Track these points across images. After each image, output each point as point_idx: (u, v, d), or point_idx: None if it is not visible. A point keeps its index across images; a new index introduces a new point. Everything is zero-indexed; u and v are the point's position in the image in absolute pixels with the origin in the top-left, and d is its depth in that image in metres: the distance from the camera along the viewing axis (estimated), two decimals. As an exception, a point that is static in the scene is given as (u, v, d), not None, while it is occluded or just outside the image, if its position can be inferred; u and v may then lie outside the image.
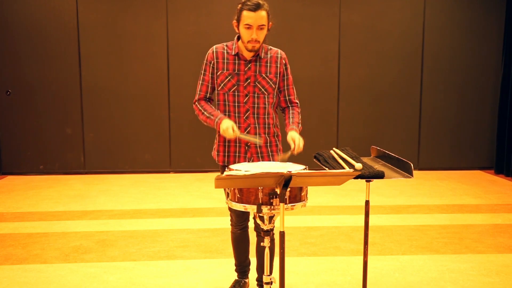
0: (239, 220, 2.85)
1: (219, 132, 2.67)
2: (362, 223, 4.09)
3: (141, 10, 6.39)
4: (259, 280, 2.96)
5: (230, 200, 2.22)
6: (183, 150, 6.67)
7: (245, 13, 2.51)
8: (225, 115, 2.69)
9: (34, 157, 6.53)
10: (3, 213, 4.76)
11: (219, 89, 2.69)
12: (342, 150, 2.65)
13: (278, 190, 1.98)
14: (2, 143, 6.49)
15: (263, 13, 2.51)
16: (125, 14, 6.39)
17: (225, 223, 4.36)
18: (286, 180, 1.94)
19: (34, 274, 3.28)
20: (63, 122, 6.50)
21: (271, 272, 2.81)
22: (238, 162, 2.73)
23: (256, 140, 2.66)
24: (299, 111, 2.78)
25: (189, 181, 6.16)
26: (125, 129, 6.57)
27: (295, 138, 2.52)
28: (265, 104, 2.69)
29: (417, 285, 3.14)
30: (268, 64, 2.67)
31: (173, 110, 6.58)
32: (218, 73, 2.67)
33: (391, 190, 5.69)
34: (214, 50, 2.69)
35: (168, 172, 6.70)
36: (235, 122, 2.66)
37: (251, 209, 2.14)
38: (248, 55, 2.64)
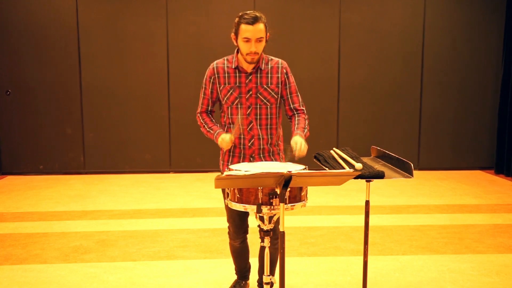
0: (238, 231, 2.80)
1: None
2: (362, 223, 4.09)
3: (141, 10, 6.39)
4: (260, 282, 2.95)
5: (230, 200, 2.22)
6: (183, 150, 6.67)
7: (243, 26, 2.51)
8: (230, 127, 2.71)
9: (34, 157, 6.53)
10: (3, 213, 4.75)
11: (223, 102, 2.70)
12: (342, 150, 2.64)
13: (278, 190, 1.97)
14: (2, 143, 6.49)
15: (260, 26, 2.51)
16: (125, 14, 6.39)
17: (225, 223, 4.35)
18: (286, 180, 1.94)
19: (34, 274, 3.28)
20: (63, 122, 6.50)
21: (271, 273, 2.81)
22: None
23: (239, 123, 2.64)
24: (306, 117, 2.74)
25: (189, 181, 6.16)
26: (125, 129, 6.57)
27: (297, 142, 2.49)
28: (267, 115, 2.68)
29: (417, 285, 3.13)
30: (269, 75, 2.67)
31: (173, 110, 6.58)
32: (221, 88, 2.68)
33: (391, 190, 5.68)
34: (215, 65, 2.69)
35: (168, 172, 6.70)
36: (240, 134, 2.68)
37: (251, 209, 2.14)
38: (248, 67, 2.64)
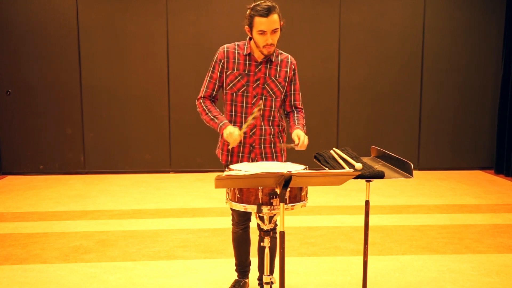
0: (241, 219, 2.84)
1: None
2: (362, 223, 4.09)
3: (141, 10, 6.39)
4: (260, 280, 2.96)
5: (230, 200, 2.22)
6: (183, 150, 6.67)
7: (257, 19, 2.47)
8: (231, 114, 2.69)
9: (34, 157, 6.53)
10: (3, 213, 4.76)
11: (227, 88, 2.67)
12: (342, 150, 2.65)
13: (278, 190, 1.98)
14: (2, 143, 6.49)
15: (275, 17, 2.48)
16: (125, 14, 6.39)
17: (225, 223, 4.36)
18: (286, 180, 1.94)
19: (34, 274, 3.28)
20: (63, 122, 6.50)
21: (272, 272, 2.81)
22: (241, 162, 2.72)
23: (255, 114, 2.58)
24: (304, 116, 2.78)
25: (189, 181, 6.16)
26: (125, 129, 6.57)
27: (300, 135, 2.52)
28: (271, 107, 2.69)
29: (417, 285, 3.14)
30: (278, 68, 2.67)
31: (173, 110, 6.58)
32: (228, 73, 2.65)
33: (391, 190, 5.69)
34: (226, 49, 2.66)
35: (168, 172, 6.70)
36: (242, 123, 2.67)
37: (251, 209, 2.14)
38: (259, 57, 2.63)
